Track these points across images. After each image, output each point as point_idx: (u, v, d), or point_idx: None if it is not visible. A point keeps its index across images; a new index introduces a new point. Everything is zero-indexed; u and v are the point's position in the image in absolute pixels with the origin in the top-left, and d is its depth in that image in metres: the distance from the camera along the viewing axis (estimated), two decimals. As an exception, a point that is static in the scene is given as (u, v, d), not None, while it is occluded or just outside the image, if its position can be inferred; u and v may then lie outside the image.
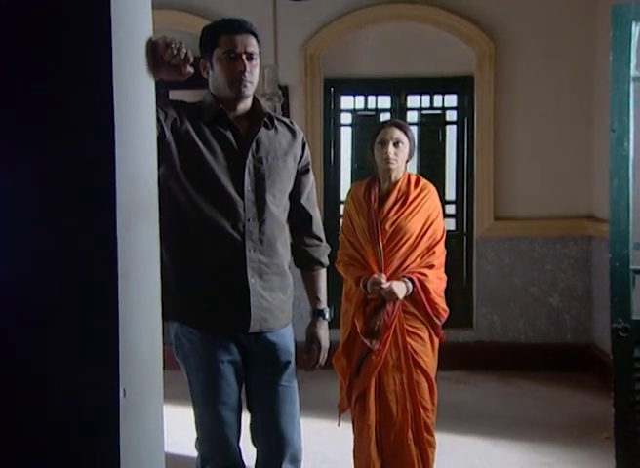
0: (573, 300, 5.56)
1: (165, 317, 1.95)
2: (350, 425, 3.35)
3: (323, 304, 2.71)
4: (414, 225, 3.25)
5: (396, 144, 3.27)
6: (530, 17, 5.45)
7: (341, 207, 5.73)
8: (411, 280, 3.20)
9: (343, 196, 5.76)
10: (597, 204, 5.42)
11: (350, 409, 3.29)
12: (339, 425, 3.36)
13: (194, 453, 2.62)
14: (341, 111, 5.79)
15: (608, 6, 5.07)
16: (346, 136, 5.82)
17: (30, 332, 1.59)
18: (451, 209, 5.74)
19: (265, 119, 2.51)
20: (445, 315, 3.28)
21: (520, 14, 5.46)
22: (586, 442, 4.06)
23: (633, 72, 3.09)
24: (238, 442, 2.55)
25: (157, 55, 1.83)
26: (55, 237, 1.58)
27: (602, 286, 5.25)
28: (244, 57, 2.41)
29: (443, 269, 3.33)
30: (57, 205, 1.58)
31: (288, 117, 5.38)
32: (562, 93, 5.47)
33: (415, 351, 3.22)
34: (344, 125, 5.81)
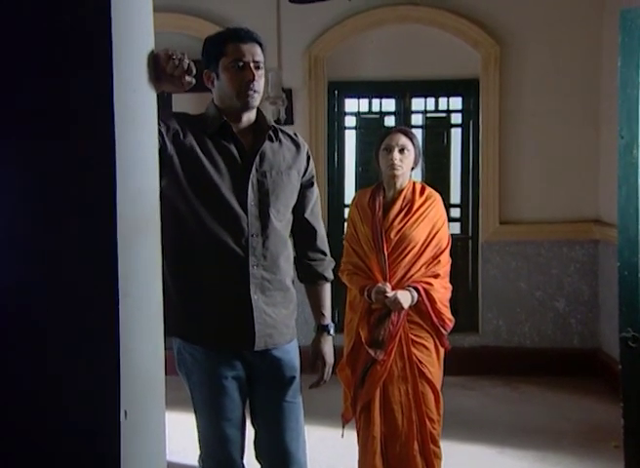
0: (579, 305, 5.52)
1: (167, 333, 1.92)
2: (354, 434, 3.31)
3: (328, 319, 2.66)
4: (419, 234, 3.22)
5: (401, 151, 3.24)
6: (535, 19, 5.40)
7: (346, 210, 5.73)
8: (416, 289, 3.17)
9: (347, 199, 5.76)
10: (604, 207, 5.38)
11: (355, 419, 3.26)
12: (342, 436, 3.33)
13: (196, 464, 2.58)
14: (346, 114, 5.75)
15: (614, 8, 5.05)
16: (351, 139, 5.78)
17: (28, 353, 1.55)
18: (456, 212, 5.70)
19: (270, 132, 2.47)
20: (451, 324, 3.25)
21: (526, 16, 5.41)
22: (595, 451, 4.02)
23: (643, 78, 3.04)
24: (242, 458, 2.51)
25: (159, 67, 1.80)
26: (53, 255, 1.55)
27: (609, 290, 5.22)
28: (252, 65, 2.36)
29: (448, 278, 3.30)
30: (55, 221, 1.55)
31: (292, 121, 5.43)
32: (568, 95, 5.43)
33: (420, 361, 3.19)
34: (349, 128, 5.77)
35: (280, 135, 2.53)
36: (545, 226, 5.51)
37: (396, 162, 3.22)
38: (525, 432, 4.33)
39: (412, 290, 3.17)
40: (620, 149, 3.13)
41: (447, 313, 3.24)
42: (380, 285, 3.16)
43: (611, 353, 5.21)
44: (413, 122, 5.69)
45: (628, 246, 3.09)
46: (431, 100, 5.70)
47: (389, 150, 3.25)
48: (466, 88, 5.62)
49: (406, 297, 3.14)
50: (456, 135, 5.74)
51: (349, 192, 5.76)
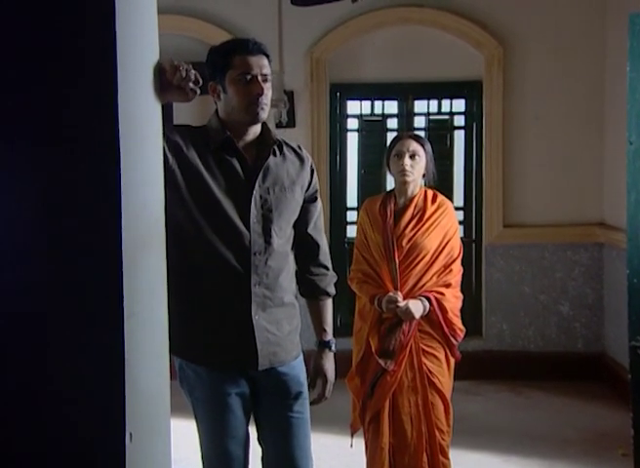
0: (583, 308, 5.47)
1: (170, 352, 1.88)
2: (362, 442, 3.27)
3: (329, 335, 2.60)
4: (430, 242, 3.17)
5: (412, 157, 3.19)
6: (539, 21, 5.36)
7: (348, 213, 5.70)
8: (427, 299, 3.12)
9: (350, 202, 5.72)
10: (608, 210, 5.34)
11: (363, 430, 3.22)
12: (351, 446, 3.30)
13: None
14: (348, 116, 5.69)
15: (618, 10, 5.02)
16: (353, 141, 5.73)
17: (31, 374, 1.51)
18: (459, 215, 5.63)
19: (274, 146, 2.41)
20: (461, 335, 3.20)
21: (529, 18, 5.37)
22: (602, 459, 3.97)
23: (652, 83, 2.99)
24: None
25: (164, 78, 1.76)
26: (55, 273, 1.50)
27: (614, 294, 5.18)
28: (260, 79, 2.30)
29: (459, 288, 3.25)
30: (57, 238, 1.50)
31: (293, 123, 5.39)
32: (572, 97, 5.39)
33: (430, 371, 3.14)
34: (351, 130, 5.71)
35: (284, 148, 2.46)
36: (549, 229, 5.47)
37: (407, 168, 3.17)
38: (530, 439, 4.28)
39: (423, 299, 3.12)
40: (629, 155, 3.08)
41: (458, 323, 3.20)
42: (391, 294, 3.11)
43: (616, 357, 5.18)
44: (415, 124, 5.65)
45: (638, 254, 3.04)
46: (434, 103, 5.65)
47: (400, 156, 3.19)
48: (469, 90, 5.58)
49: (417, 307, 3.09)
50: (459, 137, 5.68)
51: (352, 195, 5.73)
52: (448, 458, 3.16)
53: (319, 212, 2.59)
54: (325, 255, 2.61)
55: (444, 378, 3.17)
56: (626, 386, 3.23)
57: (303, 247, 2.56)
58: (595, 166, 5.41)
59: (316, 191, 2.56)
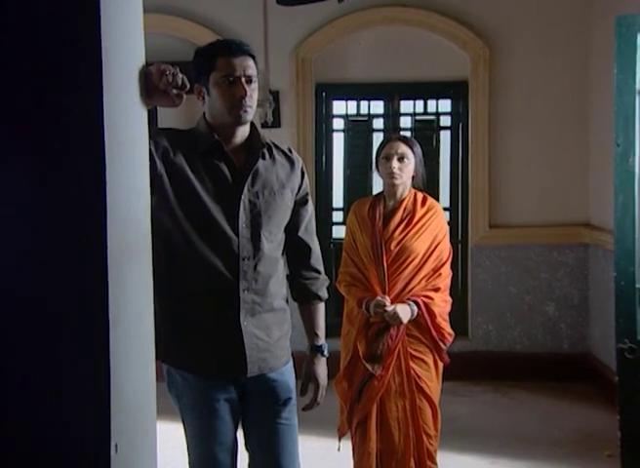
0: (569, 309, 5.49)
1: (156, 357, 1.85)
2: (349, 445, 3.25)
3: (321, 340, 2.57)
4: (419, 246, 3.15)
5: (401, 159, 3.17)
6: (525, 21, 5.37)
7: (334, 214, 5.68)
8: (416, 303, 3.10)
9: (336, 203, 5.70)
10: (594, 211, 5.35)
11: (351, 434, 3.20)
12: (339, 450, 3.28)
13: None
14: (333, 117, 5.68)
15: (603, 11, 5.03)
16: (338, 141, 5.71)
17: (14, 385, 1.48)
18: (445, 216, 5.64)
19: (264, 150, 2.38)
20: (450, 339, 3.19)
21: (515, 18, 5.38)
22: (589, 460, 3.97)
23: (638, 85, 2.98)
24: None
25: (151, 83, 1.72)
26: (41, 281, 1.47)
27: (599, 294, 5.20)
28: (243, 80, 2.26)
29: (448, 292, 3.23)
30: (42, 245, 1.47)
31: (279, 123, 5.36)
32: (558, 98, 5.40)
33: (418, 376, 3.12)
34: (336, 130, 5.70)
35: (274, 151, 2.43)
36: (535, 230, 5.48)
37: (395, 170, 3.15)
38: (517, 441, 4.28)
39: (412, 303, 3.10)
40: (617, 157, 3.07)
41: (447, 327, 3.18)
42: (379, 298, 3.09)
43: (600, 357, 5.20)
44: (401, 124, 5.64)
45: (625, 255, 3.04)
46: (420, 103, 5.64)
47: (388, 158, 3.18)
48: (455, 90, 5.58)
49: (405, 312, 3.07)
50: (445, 137, 5.68)
51: (337, 195, 5.71)
52: (435, 463, 3.14)
53: (310, 215, 2.56)
54: (317, 259, 2.58)
55: (432, 383, 3.15)
56: (611, 387, 3.23)
57: (295, 250, 2.53)
58: (581, 166, 5.42)
59: (307, 194, 2.54)
